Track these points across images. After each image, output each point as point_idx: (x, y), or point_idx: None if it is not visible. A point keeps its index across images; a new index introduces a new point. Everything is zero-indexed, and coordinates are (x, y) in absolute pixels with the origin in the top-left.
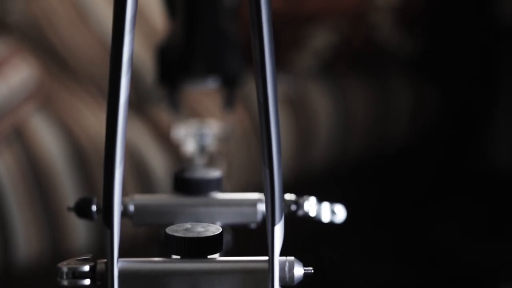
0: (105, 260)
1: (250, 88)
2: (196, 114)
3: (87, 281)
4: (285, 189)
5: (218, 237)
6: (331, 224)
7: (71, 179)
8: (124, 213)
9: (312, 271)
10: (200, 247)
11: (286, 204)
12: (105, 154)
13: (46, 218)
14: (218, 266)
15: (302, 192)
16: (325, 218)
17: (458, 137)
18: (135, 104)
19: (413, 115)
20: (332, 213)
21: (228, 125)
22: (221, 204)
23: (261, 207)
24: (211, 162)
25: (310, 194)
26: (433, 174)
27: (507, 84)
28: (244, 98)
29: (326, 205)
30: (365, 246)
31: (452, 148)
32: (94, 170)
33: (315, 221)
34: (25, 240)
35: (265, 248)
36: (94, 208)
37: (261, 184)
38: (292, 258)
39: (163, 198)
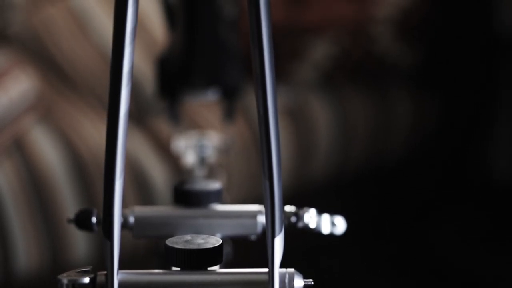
0: (105, 272)
1: (250, 99)
2: (196, 125)
3: None
4: (285, 201)
5: (218, 249)
6: (331, 235)
7: (71, 191)
8: (124, 225)
9: (312, 283)
10: (200, 259)
11: (286, 215)
12: (105, 166)
13: (46, 230)
14: (218, 278)
15: (302, 203)
16: (325, 229)
17: (458, 148)
18: (135, 115)
19: (413, 127)
20: (332, 224)
21: (228, 136)
22: (221, 216)
23: (261, 219)
24: (211, 174)
25: (310, 206)
26: (433, 185)
27: (506, 96)
28: (244, 109)
29: (326, 216)
30: (365, 258)
31: (452, 159)
32: (94, 181)
33: (315, 233)
34: (25, 252)
35: (265, 260)
36: (94, 219)
37: (261, 195)
38: (292, 270)
39: (163, 210)
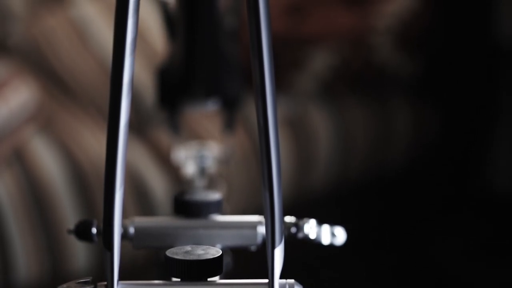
0: (105, 282)
1: (250, 110)
2: (196, 136)
3: None
4: (285, 211)
5: (218, 259)
6: (331, 246)
7: (71, 201)
8: (124, 236)
9: None
10: (200, 270)
11: (286, 226)
12: (105, 177)
13: (46, 240)
14: None
15: (302, 213)
16: (325, 240)
17: (458, 158)
18: (135, 126)
19: (413, 137)
20: (332, 235)
21: (228, 147)
22: (221, 226)
23: (261, 229)
24: (211, 184)
25: (310, 216)
26: (433, 196)
27: (507, 106)
28: (244, 120)
29: (326, 227)
30: (366, 268)
31: (452, 169)
32: (94, 192)
33: (315, 244)
34: (25, 262)
35: (265, 270)
36: (94, 230)
37: (261, 206)
38: (292, 280)
39: (163, 220)
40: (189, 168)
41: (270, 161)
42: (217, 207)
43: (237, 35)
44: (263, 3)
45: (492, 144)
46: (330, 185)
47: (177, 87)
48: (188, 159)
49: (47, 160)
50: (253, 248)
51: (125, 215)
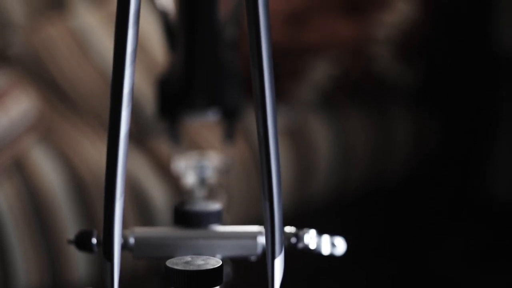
0: None
1: (250, 120)
2: (196, 146)
3: None
4: (285, 221)
5: (218, 270)
6: (331, 256)
7: (71, 211)
8: (124, 246)
9: None
10: (200, 280)
11: (286, 237)
12: (105, 187)
13: (46, 250)
14: None
15: (302, 223)
16: (325, 250)
17: (458, 167)
18: (135, 136)
19: (413, 146)
20: (332, 245)
21: (228, 157)
22: (221, 236)
23: (261, 239)
24: (211, 194)
25: (310, 225)
26: (433, 205)
27: (506, 115)
28: (244, 130)
29: (326, 237)
30: (366, 277)
31: (452, 178)
32: (94, 202)
33: (315, 254)
34: (25, 272)
35: (265, 281)
36: (94, 240)
37: (261, 216)
38: None
39: (163, 230)
40: (189, 178)
41: (270, 171)
42: (217, 217)
43: (237, 45)
44: (263, 13)
45: (491, 153)
46: (330, 194)
47: (177, 97)
48: (188, 169)
49: (47, 170)
50: (253, 258)
51: (125, 225)
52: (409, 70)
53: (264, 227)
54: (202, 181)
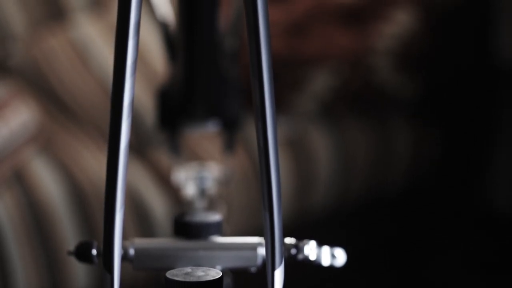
0: None
1: (250, 131)
2: (196, 156)
3: None
4: (285, 232)
5: (218, 281)
6: (331, 267)
7: (71, 222)
8: (124, 257)
9: None
10: None
11: (286, 248)
12: (106, 199)
13: (46, 261)
14: None
15: (302, 234)
16: (325, 262)
17: (458, 179)
18: (135, 147)
19: (413, 158)
20: (332, 256)
21: (228, 168)
22: (221, 248)
23: (261, 251)
24: (211, 205)
25: (310, 236)
26: (433, 216)
27: (506, 126)
28: (244, 141)
29: (326, 249)
30: None
31: (453, 190)
32: (94, 212)
33: (315, 265)
34: (25, 283)
35: None
36: (94, 252)
37: (261, 226)
38: None
39: (163, 242)
40: (189, 189)
41: (270, 182)
42: (217, 228)
43: (237, 56)
44: (263, 24)
45: (491, 163)
46: (330, 205)
47: (177, 108)
48: (188, 180)
49: (47, 181)
50: (253, 269)
51: (125, 236)
52: (409, 81)
53: (264, 238)
54: (202, 192)
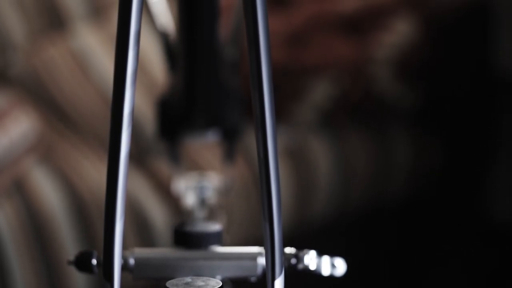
0: None
1: (250, 140)
2: (196, 166)
3: None
4: (285, 241)
5: None
6: (332, 277)
7: (71, 232)
8: (124, 267)
9: None
10: None
11: (286, 257)
12: (106, 209)
13: (46, 271)
14: None
15: (302, 244)
16: (325, 271)
17: (459, 189)
18: (135, 156)
19: (413, 168)
20: (332, 266)
21: (228, 178)
22: (221, 257)
23: (261, 260)
24: (211, 215)
25: (310, 246)
26: (433, 226)
27: (506, 136)
28: (245, 151)
29: (326, 258)
30: None
31: (453, 200)
32: (94, 222)
33: (315, 275)
34: None
35: None
36: (94, 262)
37: (261, 236)
38: None
39: (163, 251)
40: (189, 199)
41: (270, 192)
42: (217, 238)
43: (237, 66)
44: (263, 34)
45: (492, 173)
46: (330, 215)
47: (177, 118)
48: (188, 189)
49: (47, 190)
50: (253, 279)
51: (125, 246)
52: (409, 91)
53: (264, 248)
54: (202, 202)
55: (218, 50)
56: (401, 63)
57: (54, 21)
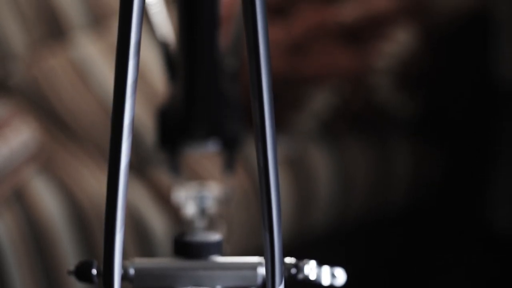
0: None
1: (250, 150)
2: (196, 176)
3: None
4: (285, 251)
5: None
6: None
7: (71, 242)
8: (124, 277)
9: None
10: None
11: (286, 267)
12: (106, 219)
13: (46, 281)
14: None
15: (302, 253)
16: (325, 281)
17: (459, 198)
18: (135, 166)
19: (414, 177)
20: (332, 276)
21: (228, 187)
22: (221, 267)
23: (261, 270)
24: (211, 225)
25: (310, 255)
26: (433, 236)
27: (507, 147)
28: (244, 160)
29: (326, 268)
30: None
31: (453, 209)
32: (94, 232)
33: (315, 285)
34: None
35: None
36: (94, 271)
37: (261, 246)
38: None
39: (163, 261)
40: (189, 209)
41: (270, 203)
42: (217, 248)
43: (237, 76)
44: (264, 44)
45: (493, 183)
46: (331, 224)
47: (177, 127)
48: (188, 199)
49: (47, 200)
50: None
51: (125, 255)
52: (409, 100)
53: (264, 258)
54: (202, 212)
55: (218, 60)
56: (401, 72)
57: (54, 31)
